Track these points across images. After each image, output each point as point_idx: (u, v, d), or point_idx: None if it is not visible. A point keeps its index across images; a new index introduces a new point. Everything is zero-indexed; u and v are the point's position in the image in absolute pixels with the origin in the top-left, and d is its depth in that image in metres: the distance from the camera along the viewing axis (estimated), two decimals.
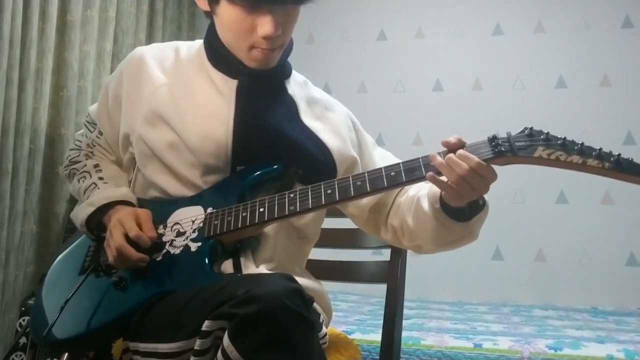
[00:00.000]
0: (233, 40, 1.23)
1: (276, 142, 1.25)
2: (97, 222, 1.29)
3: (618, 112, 3.42)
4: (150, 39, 3.38)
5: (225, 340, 0.93)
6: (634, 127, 3.40)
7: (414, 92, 3.73)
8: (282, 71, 1.34)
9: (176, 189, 1.25)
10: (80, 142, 1.45)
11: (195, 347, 0.97)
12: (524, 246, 3.47)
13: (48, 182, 2.71)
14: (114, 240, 1.19)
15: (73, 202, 2.67)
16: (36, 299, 1.31)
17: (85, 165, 1.39)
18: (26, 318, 2.48)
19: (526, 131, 1.07)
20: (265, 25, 1.17)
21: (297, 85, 1.37)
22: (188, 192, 1.25)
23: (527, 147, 1.05)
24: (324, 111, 1.37)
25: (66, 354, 1.34)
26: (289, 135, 1.26)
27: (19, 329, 2.46)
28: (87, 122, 1.44)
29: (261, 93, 1.28)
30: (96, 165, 1.38)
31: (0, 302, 2.49)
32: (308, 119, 1.32)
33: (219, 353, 0.94)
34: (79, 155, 1.43)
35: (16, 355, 2.40)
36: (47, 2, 2.66)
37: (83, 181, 1.36)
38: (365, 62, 3.76)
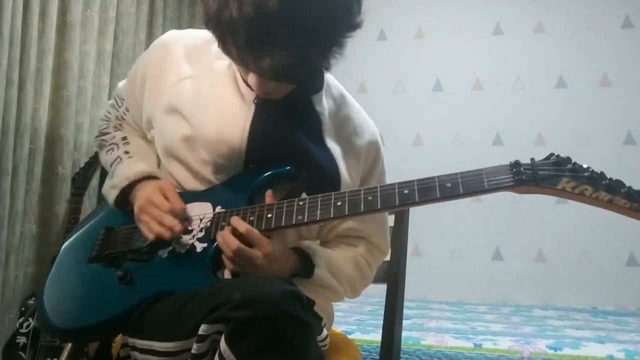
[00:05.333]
0: None
1: (290, 155, 1.21)
2: (125, 201, 1.28)
3: (618, 112, 3.42)
4: (150, 39, 3.37)
5: (222, 344, 0.93)
6: (634, 127, 3.40)
7: (414, 92, 3.73)
8: (308, 88, 1.26)
9: (190, 182, 1.25)
10: (110, 113, 1.44)
11: (192, 351, 0.97)
12: (524, 246, 3.47)
13: (48, 182, 2.71)
14: (154, 215, 1.17)
15: (73, 202, 2.69)
16: (45, 285, 1.30)
17: (114, 137, 1.39)
18: (25, 318, 2.48)
19: (552, 158, 1.03)
20: (253, 77, 1.12)
21: (330, 100, 1.30)
22: (201, 187, 1.24)
23: (551, 178, 1.00)
24: (352, 135, 1.30)
25: (67, 349, 1.35)
26: (305, 152, 1.22)
27: (19, 328, 2.46)
28: (116, 96, 1.42)
29: (282, 104, 1.22)
30: (124, 138, 1.38)
31: (0, 302, 2.49)
32: (331, 140, 1.26)
33: (216, 357, 0.94)
34: (108, 127, 1.43)
35: (16, 356, 2.40)
36: (47, 2, 2.66)
37: (110, 154, 1.35)
38: (365, 62, 3.76)
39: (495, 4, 3.67)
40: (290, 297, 0.95)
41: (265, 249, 1.11)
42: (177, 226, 1.15)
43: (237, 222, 1.13)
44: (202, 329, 0.95)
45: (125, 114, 1.40)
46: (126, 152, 1.33)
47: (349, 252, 1.31)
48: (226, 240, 1.11)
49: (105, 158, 1.37)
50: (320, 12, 1.02)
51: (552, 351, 2.04)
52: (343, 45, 1.09)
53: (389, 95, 3.75)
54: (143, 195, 1.22)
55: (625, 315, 2.92)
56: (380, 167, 1.34)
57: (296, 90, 1.20)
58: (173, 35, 1.32)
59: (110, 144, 1.37)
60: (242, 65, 1.09)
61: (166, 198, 1.20)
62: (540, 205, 3.45)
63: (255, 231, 1.11)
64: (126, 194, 1.27)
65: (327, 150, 1.25)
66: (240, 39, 1.03)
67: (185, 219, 1.19)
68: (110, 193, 1.29)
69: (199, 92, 1.25)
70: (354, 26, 1.09)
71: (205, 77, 1.26)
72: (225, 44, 1.06)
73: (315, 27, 1.03)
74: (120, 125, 1.42)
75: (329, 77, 1.33)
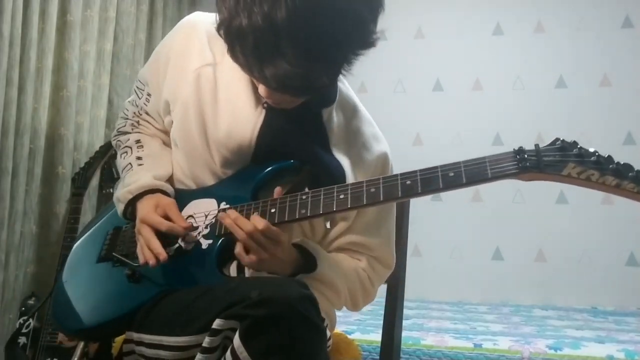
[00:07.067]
0: None
1: (298, 157, 1.21)
2: (133, 213, 1.28)
3: (618, 112, 3.42)
4: (150, 39, 3.38)
5: (236, 340, 0.94)
6: (634, 127, 3.40)
7: (414, 92, 3.72)
8: (319, 101, 1.25)
9: (198, 171, 1.25)
10: (128, 110, 1.43)
11: (204, 344, 0.98)
12: (524, 246, 3.47)
13: (48, 182, 2.71)
14: (144, 237, 1.18)
15: (73, 202, 2.69)
16: (57, 283, 1.32)
17: (129, 139, 1.38)
18: (25, 318, 2.48)
19: (557, 143, 1.00)
20: (262, 88, 1.13)
21: (340, 114, 1.29)
22: (208, 177, 1.25)
23: (556, 164, 0.98)
24: (361, 149, 1.29)
25: (79, 350, 1.36)
26: (313, 154, 1.23)
27: (19, 329, 2.46)
28: (137, 87, 1.40)
29: (292, 113, 1.21)
30: (138, 141, 1.36)
31: (0, 302, 2.49)
32: (339, 152, 1.26)
33: (228, 353, 0.95)
34: (125, 125, 1.42)
35: (18, 355, 2.40)
36: (47, 2, 2.66)
37: (124, 157, 1.35)
38: (365, 62, 3.74)
39: (495, 4, 3.67)
40: (305, 301, 0.96)
41: (282, 241, 1.13)
42: (162, 254, 1.15)
43: (257, 219, 1.12)
44: (217, 323, 0.96)
45: (146, 104, 1.37)
46: (138, 158, 1.32)
47: (350, 262, 1.30)
48: (239, 222, 1.11)
49: (119, 162, 1.37)
50: (329, 28, 1.02)
51: (552, 351, 2.04)
52: (352, 62, 1.09)
53: (389, 95, 3.75)
54: (141, 212, 1.22)
55: (625, 315, 2.92)
56: None
57: (308, 101, 1.19)
58: (199, 17, 1.31)
59: (125, 147, 1.37)
60: (249, 73, 1.10)
61: (167, 216, 1.20)
62: (540, 205, 3.45)
63: (273, 228, 1.12)
64: (132, 206, 1.27)
65: (334, 159, 1.24)
66: (247, 47, 1.03)
67: (187, 235, 1.19)
68: (118, 205, 1.30)
69: (217, 84, 1.24)
70: (367, 44, 1.08)
71: (225, 67, 1.25)
72: (234, 51, 1.07)
73: (323, 42, 1.02)
74: (138, 122, 1.41)
75: (342, 87, 1.32)
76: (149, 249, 1.16)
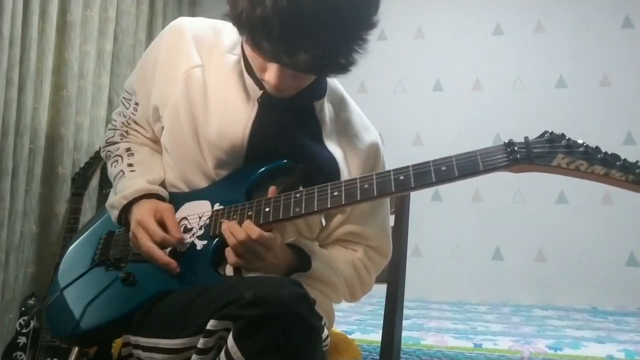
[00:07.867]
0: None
1: (291, 154, 1.22)
2: (126, 219, 1.28)
3: (618, 112, 3.42)
4: (150, 39, 3.38)
5: (230, 341, 0.94)
6: (634, 127, 3.40)
7: (414, 92, 3.72)
8: (311, 93, 1.27)
9: (190, 174, 1.25)
10: (116, 121, 1.43)
11: (199, 346, 0.98)
12: (524, 246, 3.47)
13: (48, 182, 2.72)
14: (141, 244, 1.18)
15: (73, 202, 2.69)
16: (50, 289, 1.31)
17: (119, 148, 1.38)
18: (25, 318, 2.48)
19: (546, 135, 1.03)
20: (271, 72, 1.12)
21: (331, 105, 1.31)
22: (201, 180, 1.25)
23: (545, 155, 1.00)
24: (353, 138, 1.30)
25: (74, 353, 1.35)
26: (306, 151, 1.23)
27: (19, 329, 2.47)
28: (123, 98, 1.40)
29: (285, 107, 1.23)
30: (128, 149, 1.36)
31: (0, 302, 2.49)
32: (332, 144, 1.27)
33: (222, 353, 0.95)
34: (114, 136, 1.42)
35: (17, 356, 2.40)
36: (47, 2, 2.66)
37: (115, 166, 1.35)
38: (365, 62, 3.75)
39: (495, 4, 3.67)
40: (300, 300, 0.96)
41: (274, 246, 1.13)
42: (162, 261, 1.16)
43: (250, 227, 1.13)
44: (211, 324, 0.96)
45: (134, 113, 1.37)
46: (129, 165, 1.32)
47: (347, 254, 1.31)
48: (233, 230, 1.12)
49: (110, 171, 1.37)
50: (350, 7, 1.04)
51: (552, 351, 2.03)
52: (367, 41, 1.11)
53: (389, 95, 3.75)
54: (138, 215, 1.22)
55: (625, 315, 2.92)
56: (380, 170, 1.33)
57: (300, 94, 1.20)
58: (184, 21, 1.32)
59: (115, 156, 1.37)
60: (274, 59, 1.09)
61: (162, 223, 1.20)
62: (540, 205, 3.45)
63: (266, 235, 1.12)
64: (126, 212, 1.27)
65: (327, 152, 1.25)
66: (273, 33, 1.03)
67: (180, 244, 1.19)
68: (112, 212, 1.30)
69: (207, 83, 1.24)
70: (374, 24, 1.11)
71: (213, 68, 1.26)
72: (256, 39, 1.06)
73: (346, 21, 1.04)
74: (127, 132, 1.41)
75: (331, 80, 1.33)
76: (155, 258, 1.17)
